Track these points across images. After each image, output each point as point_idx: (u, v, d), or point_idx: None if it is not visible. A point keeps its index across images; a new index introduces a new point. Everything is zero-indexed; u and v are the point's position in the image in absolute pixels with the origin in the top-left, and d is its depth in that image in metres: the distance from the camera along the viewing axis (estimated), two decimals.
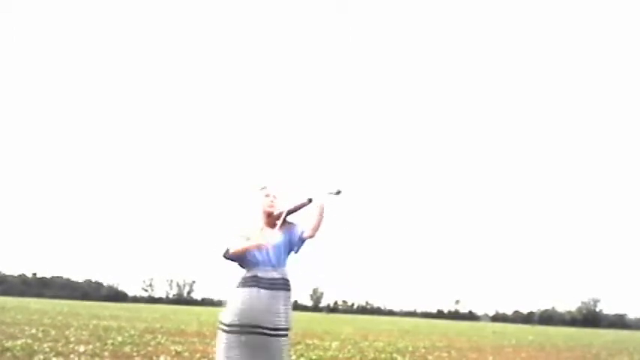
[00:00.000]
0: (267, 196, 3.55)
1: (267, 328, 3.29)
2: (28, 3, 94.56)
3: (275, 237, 3.45)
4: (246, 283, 3.38)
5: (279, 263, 3.44)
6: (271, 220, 3.52)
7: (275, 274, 3.39)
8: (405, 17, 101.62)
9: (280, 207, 3.53)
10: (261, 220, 3.54)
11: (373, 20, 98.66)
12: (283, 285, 3.42)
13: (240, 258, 3.43)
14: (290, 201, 3.54)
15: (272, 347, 3.29)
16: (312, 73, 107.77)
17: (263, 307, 3.31)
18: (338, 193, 3.44)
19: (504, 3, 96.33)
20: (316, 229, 3.47)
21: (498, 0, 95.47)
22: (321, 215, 3.45)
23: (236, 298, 3.37)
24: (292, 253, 3.53)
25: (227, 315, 3.36)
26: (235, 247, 3.40)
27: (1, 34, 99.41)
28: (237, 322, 3.30)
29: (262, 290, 3.34)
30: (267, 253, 3.41)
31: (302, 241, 3.50)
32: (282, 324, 3.36)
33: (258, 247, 3.38)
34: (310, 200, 3.49)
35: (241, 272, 3.47)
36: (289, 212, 3.52)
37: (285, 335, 3.38)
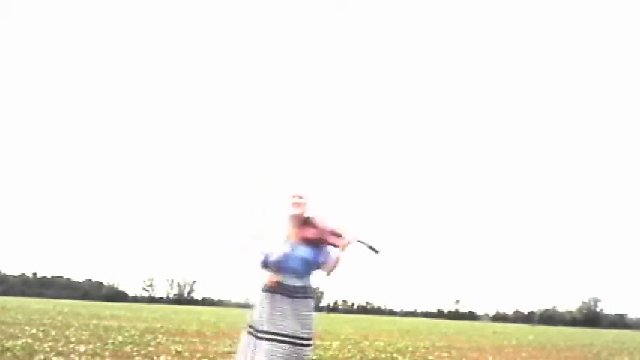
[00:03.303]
0: (293, 197, 3.51)
1: (301, 338, 3.28)
2: (28, 5, 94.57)
3: (303, 248, 3.44)
4: (274, 289, 3.37)
5: (304, 272, 3.44)
6: (303, 229, 3.47)
7: (299, 282, 3.40)
8: (404, 15, 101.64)
9: (318, 221, 3.47)
10: (289, 225, 3.50)
11: (373, 18, 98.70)
12: (309, 293, 3.43)
13: (277, 267, 3.41)
14: (328, 221, 3.48)
15: (305, 354, 3.29)
16: (312, 71, 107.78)
17: (294, 316, 3.30)
18: (376, 251, 3.42)
19: (504, 3, 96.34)
20: (330, 271, 3.47)
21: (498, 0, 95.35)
22: (337, 263, 3.44)
23: (261, 302, 3.37)
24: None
25: (255, 319, 3.36)
26: (273, 259, 3.38)
27: (1, 36, 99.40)
28: (272, 330, 3.28)
29: (293, 299, 3.34)
30: (293, 261, 3.41)
31: (318, 268, 3.50)
32: (307, 333, 3.35)
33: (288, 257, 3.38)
34: (343, 239, 3.44)
35: (265, 274, 3.45)
36: (323, 240, 3.46)
37: (310, 345, 3.37)
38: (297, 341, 3.27)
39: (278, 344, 3.23)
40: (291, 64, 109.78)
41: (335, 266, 3.46)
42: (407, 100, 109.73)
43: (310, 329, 3.37)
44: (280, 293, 3.34)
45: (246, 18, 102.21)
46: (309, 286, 3.46)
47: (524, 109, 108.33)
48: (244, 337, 3.37)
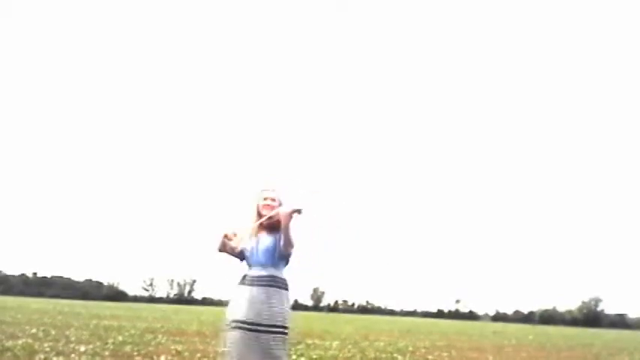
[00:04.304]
0: (265, 199, 3.58)
1: (256, 324, 3.35)
2: (28, 5, 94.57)
3: (266, 239, 3.53)
4: (241, 281, 3.53)
5: (268, 263, 3.49)
6: (264, 222, 3.55)
7: (263, 272, 3.47)
8: (405, 15, 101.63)
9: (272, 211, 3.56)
10: (255, 220, 3.59)
11: (373, 18, 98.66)
12: (270, 282, 3.45)
13: (235, 254, 3.59)
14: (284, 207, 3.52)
15: (262, 342, 3.33)
16: (312, 71, 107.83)
17: (249, 302, 3.39)
18: (299, 211, 3.39)
19: (504, 3, 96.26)
20: (288, 244, 3.44)
21: None
22: (285, 228, 3.39)
23: (231, 296, 3.54)
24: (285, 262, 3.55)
25: (226, 313, 3.51)
26: (216, 245, 3.56)
27: (1, 36, 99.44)
28: (230, 319, 3.44)
29: (251, 287, 3.44)
30: (257, 254, 3.51)
31: (283, 254, 3.50)
32: (272, 320, 3.37)
33: (227, 238, 3.52)
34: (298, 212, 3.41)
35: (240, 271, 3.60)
36: (269, 217, 3.49)
37: (279, 333, 3.38)
38: (253, 327, 3.33)
39: (236, 330, 3.37)
40: (291, 64, 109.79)
41: (288, 237, 3.42)
42: (407, 100, 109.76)
43: (272, 316, 3.38)
44: (243, 284, 3.49)
45: (246, 18, 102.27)
46: (277, 276, 3.48)
47: (524, 109, 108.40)
48: (223, 334, 3.55)
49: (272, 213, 3.51)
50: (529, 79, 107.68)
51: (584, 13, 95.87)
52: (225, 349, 3.41)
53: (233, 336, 3.38)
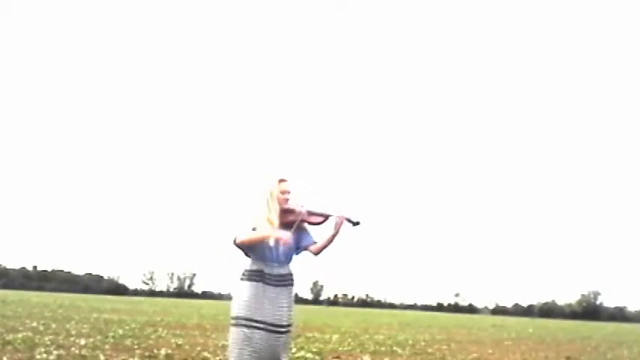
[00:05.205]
0: (283, 192, 3.45)
1: (270, 324, 3.28)
2: (28, 5, 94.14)
3: (286, 235, 3.38)
4: (251, 277, 3.35)
5: (287, 261, 3.43)
6: (283, 216, 3.44)
7: (281, 271, 3.39)
8: (404, 15, 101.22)
9: (296, 207, 3.45)
10: (273, 216, 3.43)
11: (373, 18, 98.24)
12: (289, 281, 3.42)
13: (248, 248, 3.39)
14: (306, 205, 3.47)
15: (274, 343, 3.28)
16: (312, 71, 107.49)
17: (267, 303, 3.29)
18: (357, 224, 3.42)
19: (504, 3, 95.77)
20: (321, 250, 3.48)
21: None
22: (332, 241, 3.45)
23: (240, 291, 3.35)
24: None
25: (233, 308, 3.36)
26: (242, 238, 3.33)
27: (1, 36, 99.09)
28: (242, 316, 3.29)
29: (267, 286, 3.33)
30: (277, 250, 3.37)
31: (304, 250, 3.50)
32: (285, 320, 3.35)
33: (263, 239, 3.32)
34: (327, 218, 3.43)
35: (244, 263, 3.43)
36: (305, 221, 3.45)
37: (288, 331, 3.38)
38: (274, 329, 3.28)
39: (255, 331, 3.25)
40: (291, 64, 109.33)
41: (327, 247, 3.46)
42: (407, 99, 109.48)
43: (290, 317, 3.38)
44: (263, 282, 3.33)
45: (246, 18, 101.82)
46: (292, 274, 3.45)
47: (523, 107, 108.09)
48: (230, 330, 3.37)
49: (318, 220, 3.44)
50: (529, 79, 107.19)
51: (585, 13, 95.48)
52: (237, 346, 3.26)
53: (253, 335, 3.24)
